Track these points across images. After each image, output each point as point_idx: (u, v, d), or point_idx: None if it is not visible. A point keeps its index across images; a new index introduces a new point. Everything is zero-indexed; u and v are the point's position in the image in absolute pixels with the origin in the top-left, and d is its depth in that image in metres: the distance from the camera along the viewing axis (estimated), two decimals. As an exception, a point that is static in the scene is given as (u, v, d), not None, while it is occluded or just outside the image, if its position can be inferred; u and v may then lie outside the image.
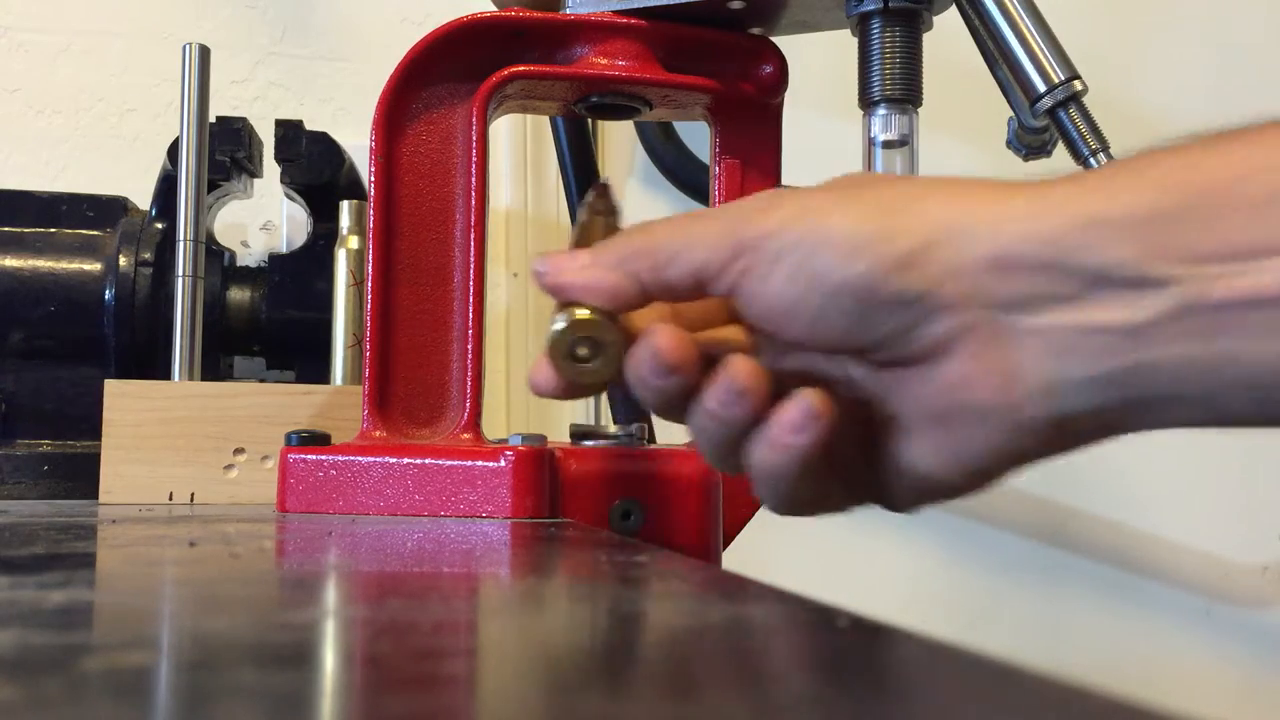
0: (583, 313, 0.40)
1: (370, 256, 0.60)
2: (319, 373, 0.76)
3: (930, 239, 0.34)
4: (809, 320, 0.36)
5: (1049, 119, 0.57)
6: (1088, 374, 0.33)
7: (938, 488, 0.38)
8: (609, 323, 0.40)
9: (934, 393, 0.36)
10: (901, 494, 0.40)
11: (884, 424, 0.38)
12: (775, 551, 1.02)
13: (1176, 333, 0.32)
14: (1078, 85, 0.56)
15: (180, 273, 0.69)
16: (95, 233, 0.79)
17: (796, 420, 0.36)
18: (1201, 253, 0.32)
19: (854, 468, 0.40)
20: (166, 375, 0.69)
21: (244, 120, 0.80)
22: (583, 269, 0.39)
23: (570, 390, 0.41)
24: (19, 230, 0.78)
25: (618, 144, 1.06)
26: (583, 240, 0.43)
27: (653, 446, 0.60)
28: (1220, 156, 0.32)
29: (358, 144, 0.72)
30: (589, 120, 0.66)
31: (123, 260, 0.77)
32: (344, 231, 0.74)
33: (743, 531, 0.62)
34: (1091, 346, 0.33)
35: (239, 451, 0.65)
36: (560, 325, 0.40)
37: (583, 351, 0.40)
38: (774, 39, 0.64)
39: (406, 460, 0.54)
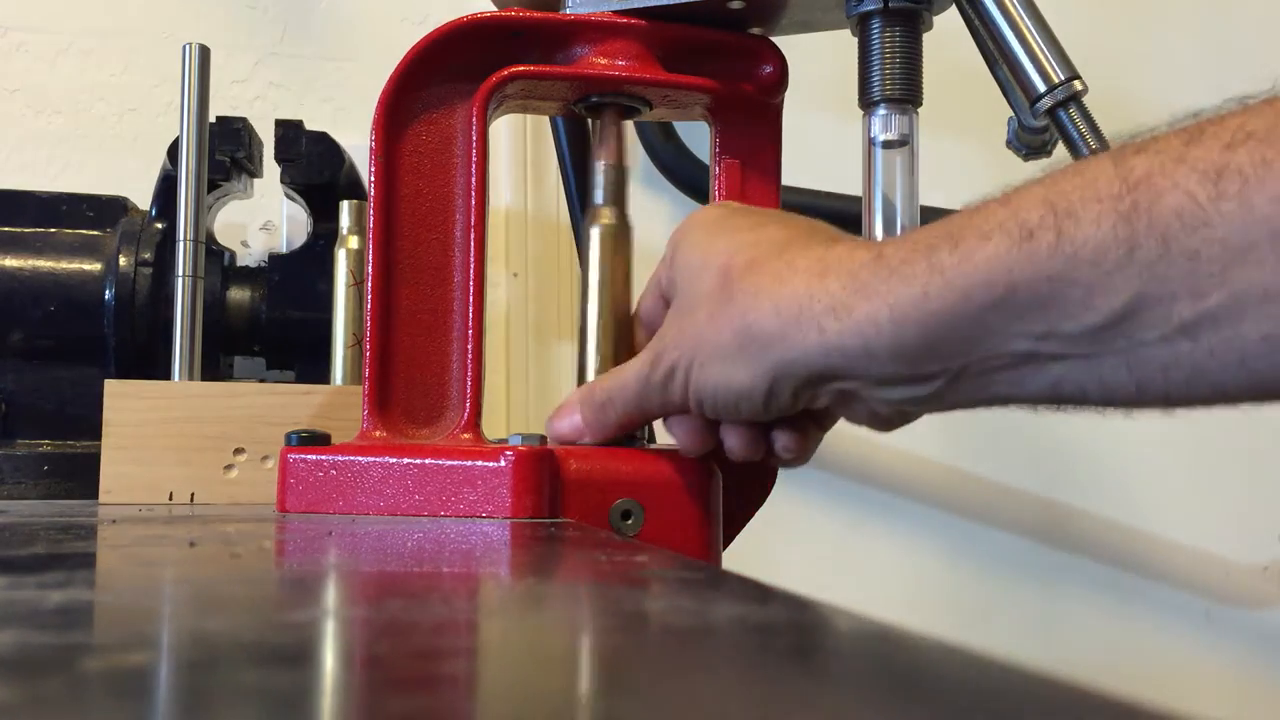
0: None
1: (370, 256, 0.60)
2: (319, 373, 0.76)
3: (773, 380, 0.48)
4: (741, 420, 0.52)
5: (1049, 119, 0.57)
6: (916, 410, 0.49)
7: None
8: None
9: (838, 413, 0.53)
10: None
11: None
12: (775, 551, 1.02)
13: (957, 391, 0.45)
14: (1078, 85, 0.56)
15: (180, 273, 0.69)
16: (95, 233, 0.79)
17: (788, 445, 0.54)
18: (947, 355, 0.43)
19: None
20: (166, 375, 0.69)
21: (244, 120, 0.80)
22: (595, 435, 0.57)
23: None
24: (19, 230, 0.78)
25: (618, 144, 1.06)
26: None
27: (653, 446, 0.60)
28: (945, 280, 0.42)
29: (358, 144, 0.72)
30: (589, 120, 0.66)
31: (123, 260, 0.77)
32: (344, 231, 0.74)
33: (743, 531, 0.62)
34: (910, 402, 0.47)
35: (239, 451, 0.65)
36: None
37: None
38: (774, 39, 0.64)
39: (406, 460, 0.54)
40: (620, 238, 0.62)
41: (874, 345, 0.44)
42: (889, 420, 0.50)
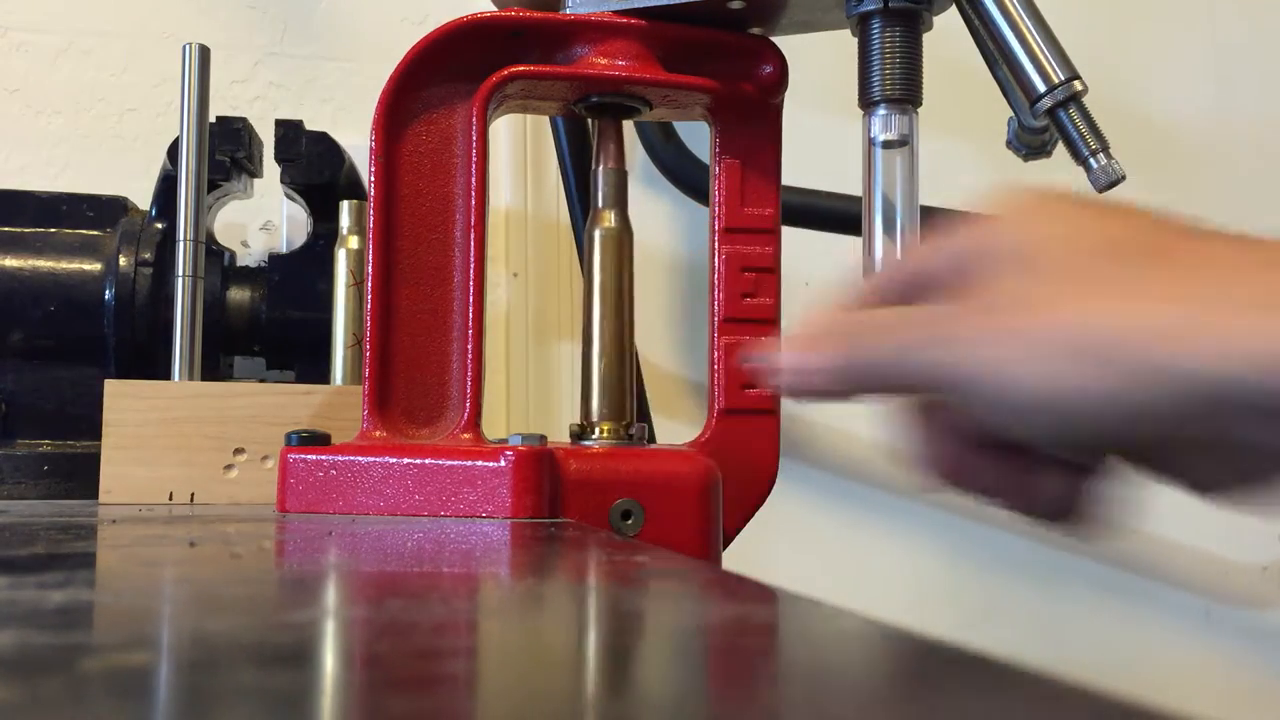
0: None
1: (370, 256, 0.60)
2: (319, 373, 0.76)
3: (1122, 388, 0.34)
4: (1018, 436, 0.38)
5: (1049, 119, 0.56)
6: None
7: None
8: None
9: (1173, 468, 0.38)
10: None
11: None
12: (775, 551, 1.02)
13: None
14: (1078, 85, 0.56)
15: (180, 273, 0.69)
16: (95, 233, 0.79)
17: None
18: None
19: None
20: (166, 375, 0.69)
21: (244, 120, 0.80)
22: (831, 375, 0.40)
23: None
24: (19, 230, 0.78)
25: (618, 144, 1.06)
26: None
27: (653, 446, 0.60)
28: None
29: (358, 144, 0.72)
30: (589, 120, 0.66)
31: (123, 260, 0.77)
32: (344, 231, 0.74)
33: (743, 531, 0.62)
34: None
35: (239, 451, 0.65)
36: None
37: None
38: (774, 39, 0.64)
39: (406, 460, 0.54)
40: (623, 241, 0.63)
41: None
42: (1248, 480, 0.37)
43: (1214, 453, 0.36)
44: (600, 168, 0.63)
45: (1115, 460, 0.39)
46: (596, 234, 0.62)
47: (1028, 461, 0.39)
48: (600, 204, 0.63)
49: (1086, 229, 0.37)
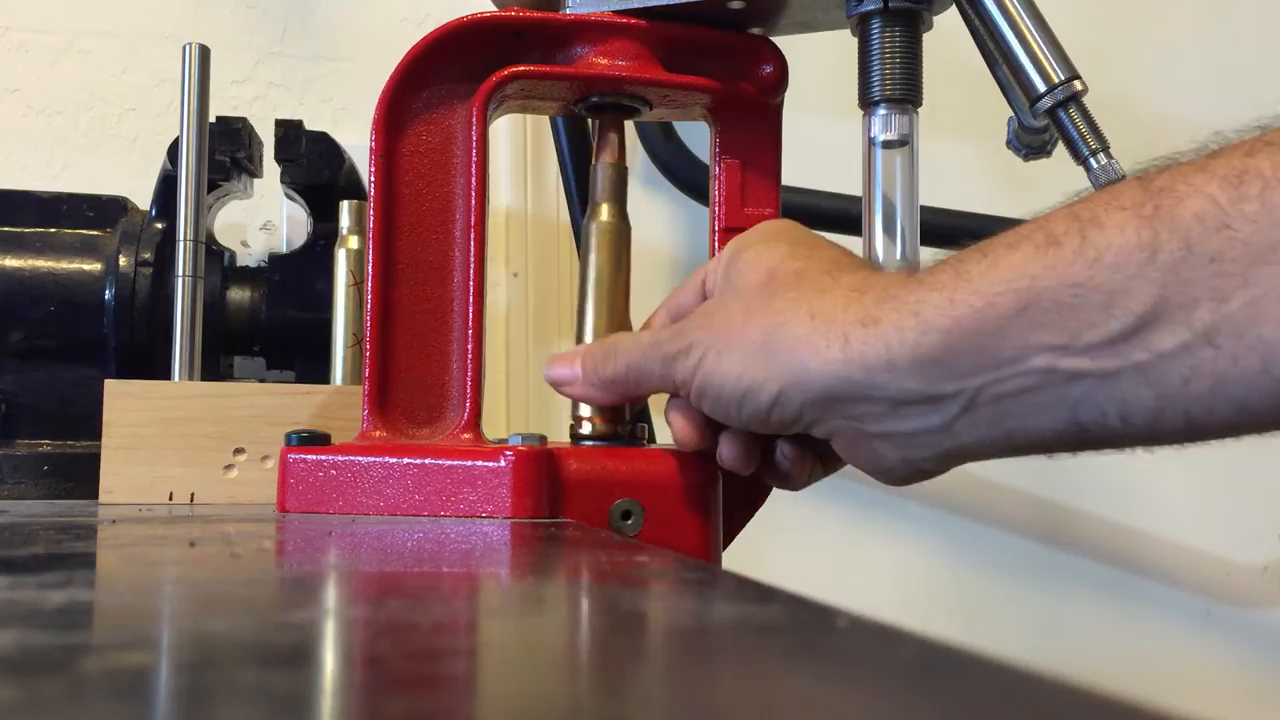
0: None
1: (370, 256, 0.60)
2: (319, 373, 0.76)
3: (783, 386, 0.47)
4: (737, 426, 0.51)
5: (1049, 119, 0.56)
6: (923, 455, 0.46)
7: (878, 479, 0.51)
8: (615, 415, 0.60)
9: (840, 454, 0.50)
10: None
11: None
12: (775, 551, 1.02)
13: (969, 424, 0.44)
14: (1078, 85, 0.56)
15: (180, 273, 0.69)
16: (95, 233, 0.79)
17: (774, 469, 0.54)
18: (967, 371, 0.42)
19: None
20: (166, 375, 0.69)
21: (244, 120, 0.80)
22: (582, 388, 0.56)
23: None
24: (19, 230, 0.78)
25: (618, 144, 1.06)
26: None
27: (653, 446, 0.60)
28: (971, 286, 0.42)
29: (358, 144, 0.72)
30: (589, 120, 0.66)
31: (123, 260, 0.77)
32: (344, 231, 0.74)
33: (743, 531, 0.62)
34: (917, 440, 0.46)
35: (239, 451, 0.65)
36: (586, 430, 0.60)
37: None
38: (774, 39, 0.64)
39: (406, 460, 0.54)
40: (619, 235, 0.63)
41: (896, 354, 0.43)
42: (892, 469, 0.48)
43: (859, 446, 0.48)
44: (598, 162, 0.63)
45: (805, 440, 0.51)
46: (593, 227, 0.62)
47: (755, 439, 0.52)
48: (596, 197, 0.63)
49: (765, 264, 0.50)
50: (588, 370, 0.55)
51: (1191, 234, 0.37)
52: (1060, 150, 0.58)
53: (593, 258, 0.62)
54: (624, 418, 0.60)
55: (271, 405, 0.66)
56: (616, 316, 0.61)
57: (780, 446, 0.53)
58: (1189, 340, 0.38)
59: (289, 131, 0.81)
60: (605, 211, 0.62)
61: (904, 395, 0.44)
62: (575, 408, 0.61)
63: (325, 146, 0.81)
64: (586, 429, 0.60)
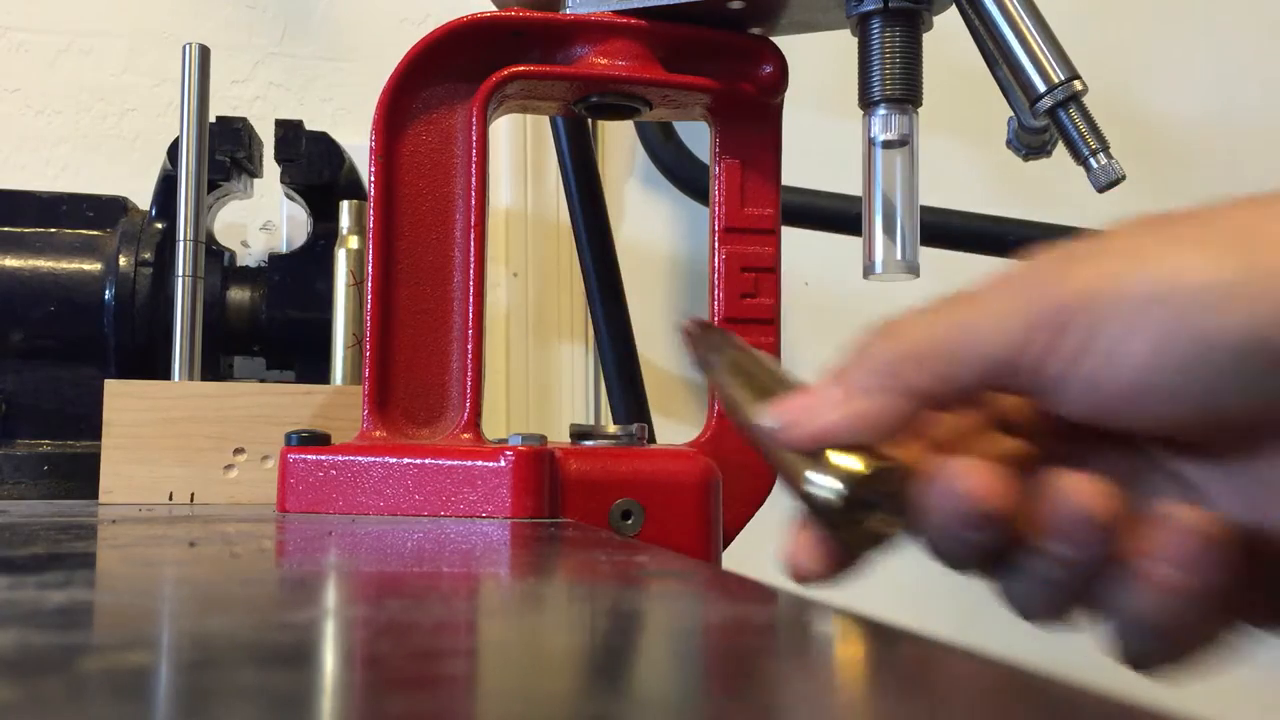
0: (850, 461, 0.30)
1: (370, 256, 0.60)
2: (319, 373, 0.76)
3: None
4: (1162, 401, 0.28)
5: (1049, 119, 0.56)
6: None
7: None
8: (888, 466, 0.30)
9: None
10: None
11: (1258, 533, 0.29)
12: (775, 551, 1.02)
13: None
14: (1078, 85, 0.56)
15: (180, 273, 0.69)
16: (95, 233, 0.79)
17: (1188, 551, 0.27)
18: None
19: (1256, 579, 0.29)
20: (166, 375, 0.69)
21: (244, 120, 0.80)
22: (842, 403, 0.31)
23: (853, 563, 0.32)
24: (19, 230, 0.78)
25: (618, 144, 1.06)
26: (751, 366, 0.37)
27: (653, 446, 0.60)
28: None
29: (358, 144, 0.72)
30: (589, 120, 0.66)
31: (123, 260, 0.77)
32: (344, 231, 0.74)
33: (743, 531, 0.62)
34: None
35: (239, 451, 0.65)
36: (838, 488, 0.30)
37: (862, 512, 0.31)
38: (774, 39, 0.64)
39: (406, 460, 0.54)
40: None
41: None
42: None
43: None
44: None
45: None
46: None
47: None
48: None
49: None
50: (851, 374, 0.32)
51: None
52: (1060, 150, 0.58)
53: None
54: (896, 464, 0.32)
55: (271, 405, 0.66)
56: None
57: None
58: None
59: (289, 131, 0.81)
60: None
61: None
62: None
63: (325, 146, 0.81)
64: (834, 484, 0.31)
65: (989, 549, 0.29)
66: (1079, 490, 0.28)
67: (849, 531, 0.31)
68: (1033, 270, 0.29)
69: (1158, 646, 0.30)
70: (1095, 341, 0.28)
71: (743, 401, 0.35)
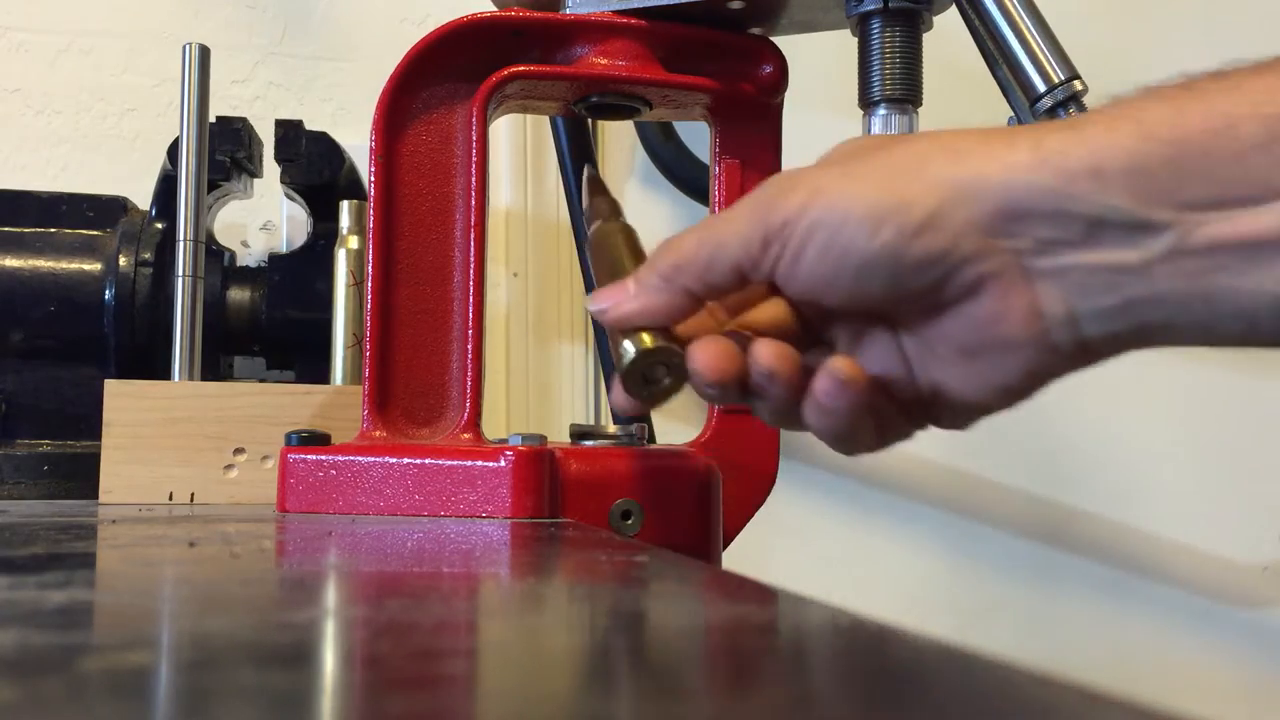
0: (645, 338, 0.43)
1: (370, 256, 0.60)
2: (319, 373, 0.76)
3: (942, 200, 0.37)
4: (845, 290, 0.40)
5: (1049, 119, 0.57)
6: (1100, 306, 0.37)
7: (976, 408, 0.42)
8: (668, 342, 0.44)
9: (968, 330, 0.39)
10: (948, 417, 0.43)
11: (925, 363, 0.42)
12: (775, 551, 1.02)
13: (1173, 270, 0.35)
14: (1078, 85, 0.56)
15: (180, 273, 0.69)
16: (95, 233, 0.79)
17: (830, 389, 0.41)
18: (1190, 200, 0.35)
19: (904, 402, 0.43)
20: (166, 375, 0.69)
21: (244, 120, 0.80)
22: (636, 297, 0.43)
23: (648, 406, 0.45)
24: (19, 230, 0.78)
25: (618, 144, 1.06)
26: (607, 252, 0.50)
27: (653, 446, 0.60)
28: (1206, 103, 0.35)
29: (358, 144, 0.73)
30: (589, 120, 0.66)
31: (123, 260, 0.77)
32: (344, 231, 0.74)
33: (743, 531, 0.62)
34: (1101, 283, 0.37)
35: (239, 451, 0.65)
36: (630, 355, 0.44)
37: (654, 374, 0.44)
38: (774, 39, 0.64)
39: (406, 460, 0.54)
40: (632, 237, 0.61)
41: (1104, 159, 0.35)
42: (1045, 335, 0.38)
43: (1010, 294, 0.38)
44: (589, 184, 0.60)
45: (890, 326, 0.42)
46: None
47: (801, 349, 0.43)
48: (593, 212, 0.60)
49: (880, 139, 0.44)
50: (642, 275, 0.44)
51: None
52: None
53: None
54: (677, 343, 0.44)
55: (271, 405, 0.66)
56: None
57: (826, 366, 0.41)
58: None
59: (289, 131, 0.81)
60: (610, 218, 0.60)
61: (1105, 213, 0.35)
62: (614, 349, 0.48)
63: (325, 146, 0.81)
64: (630, 353, 0.44)
65: (731, 395, 0.43)
66: (763, 354, 0.41)
67: (647, 385, 0.44)
68: (764, 195, 0.41)
69: (838, 444, 0.43)
70: (801, 250, 0.40)
71: (596, 281, 0.49)
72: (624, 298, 0.43)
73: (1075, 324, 0.38)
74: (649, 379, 0.44)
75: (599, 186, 0.56)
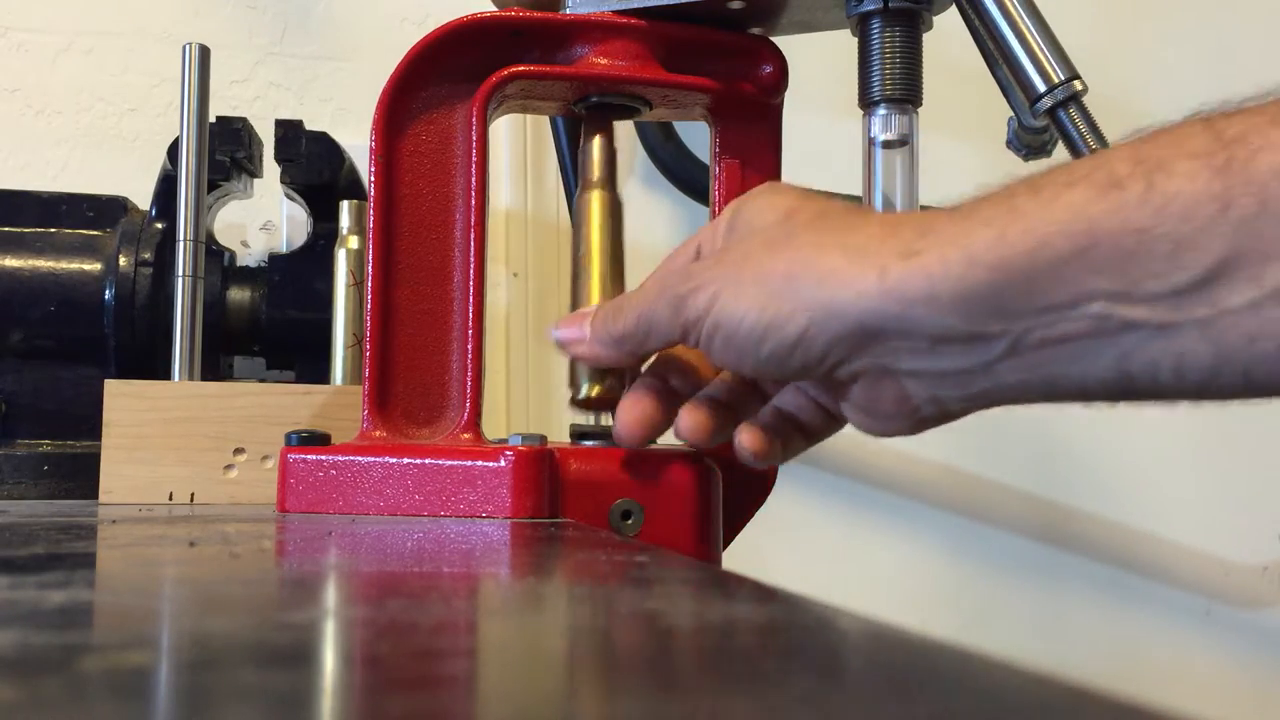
0: (594, 387, 0.58)
1: (370, 256, 0.60)
2: (319, 373, 0.76)
3: (811, 320, 0.43)
4: (751, 371, 0.48)
5: (1049, 119, 0.57)
6: (956, 394, 0.44)
7: (882, 434, 0.50)
8: (609, 391, 0.57)
9: (857, 401, 0.47)
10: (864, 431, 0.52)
11: (834, 406, 0.51)
12: (775, 551, 1.02)
13: (1014, 365, 0.41)
14: (1078, 85, 0.56)
15: (180, 273, 0.69)
16: (95, 233, 0.79)
17: (742, 455, 0.52)
18: (1016, 311, 0.40)
19: (815, 430, 0.53)
20: (166, 375, 0.69)
21: (244, 120, 0.80)
22: (590, 345, 0.53)
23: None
24: (19, 230, 0.78)
25: (618, 144, 1.06)
26: (582, 255, 0.61)
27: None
28: (1024, 224, 0.39)
29: (358, 144, 0.72)
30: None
31: (123, 260, 0.77)
32: (344, 231, 0.74)
33: (743, 531, 0.62)
34: (952, 380, 0.43)
35: (239, 451, 0.65)
36: (580, 395, 0.58)
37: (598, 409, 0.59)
38: (774, 39, 0.64)
39: (406, 460, 0.54)
40: (613, 209, 0.63)
41: (938, 287, 0.40)
42: (917, 409, 0.46)
43: (883, 387, 0.45)
44: (588, 144, 0.63)
45: (815, 391, 0.52)
46: (588, 196, 0.63)
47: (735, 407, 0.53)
48: (588, 175, 0.63)
49: (781, 206, 0.47)
50: (597, 327, 0.52)
51: (1268, 189, 0.36)
52: (1060, 150, 0.58)
53: (584, 231, 0.62)
54: (623, 383, 0.57)
55: (271, 405, 0.66)
56: (617, 286, 0.61)
57: (743, 429, 0.51)
58: (1258, 297, 0.36)
59: (289, 131, 0.81)
60: (598, 186, 0.63)
61: (944, 332, 0.41)
62: (572, 375, 0.59)
63: (325, 146, 0.81)
64: (584, 391, 0.58)
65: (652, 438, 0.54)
66: (683, 424, 0.52)
67: (595, 410, 0.59)
68: (676, 288, 0.48)
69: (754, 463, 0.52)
70: (711, 341, 0.47)
71: (571, 267, 0.62)
72: (579, 339, 0.53)
73: (939, 403, 0.45)
74: (593, 410, 0.59)
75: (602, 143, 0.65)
